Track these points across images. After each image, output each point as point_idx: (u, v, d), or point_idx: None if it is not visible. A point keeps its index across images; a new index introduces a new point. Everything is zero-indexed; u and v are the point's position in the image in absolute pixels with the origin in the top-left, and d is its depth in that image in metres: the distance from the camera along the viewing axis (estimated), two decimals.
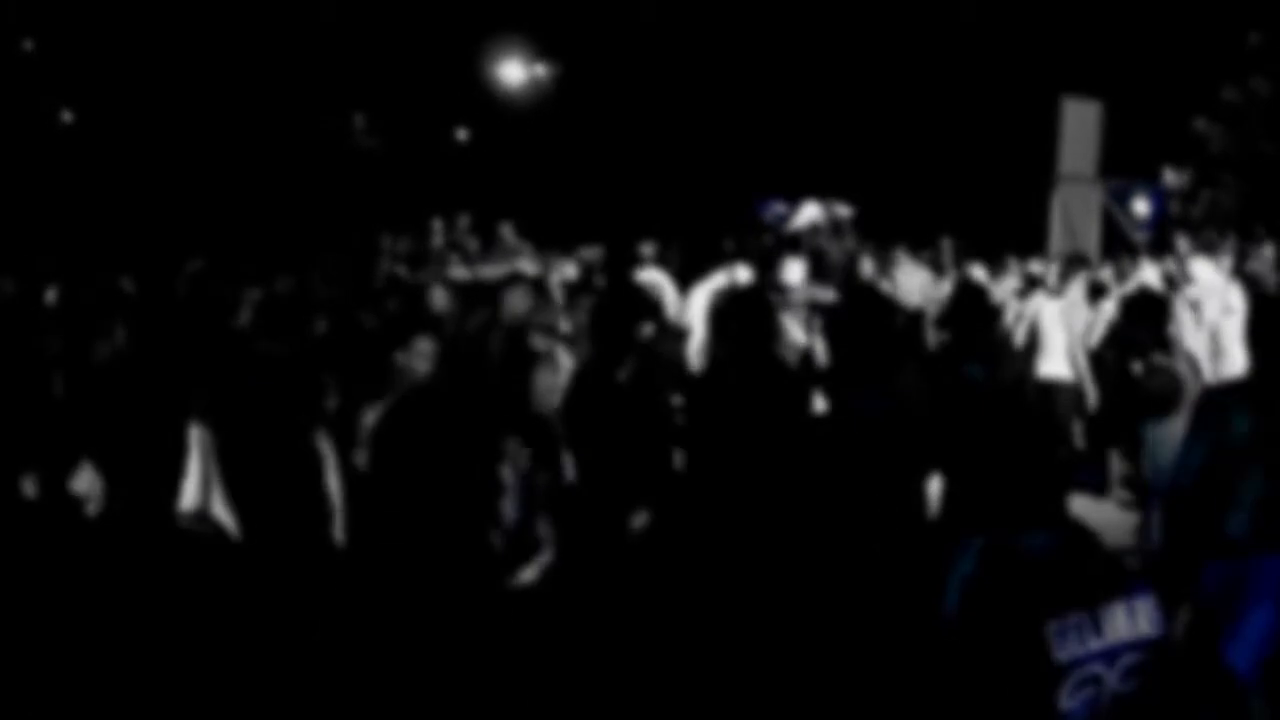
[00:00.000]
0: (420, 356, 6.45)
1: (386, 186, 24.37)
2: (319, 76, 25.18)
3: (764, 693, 5.33)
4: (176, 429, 6.28)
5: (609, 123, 26.72)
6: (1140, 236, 19.57)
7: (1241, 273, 13.14)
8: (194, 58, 23.83)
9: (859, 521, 5.46)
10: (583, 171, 25.89)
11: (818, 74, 25.57)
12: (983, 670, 2.96)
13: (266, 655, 5.70)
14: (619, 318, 6.74)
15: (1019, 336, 11.49)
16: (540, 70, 27.49)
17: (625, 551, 6.19)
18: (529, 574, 6.52)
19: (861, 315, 6.24)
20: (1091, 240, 19.24)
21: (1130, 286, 11.70)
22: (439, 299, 9.94)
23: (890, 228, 16.17)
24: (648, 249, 13.41)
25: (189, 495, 6.20)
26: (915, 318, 12.30)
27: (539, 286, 9.81)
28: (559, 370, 7.14)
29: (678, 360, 9.40)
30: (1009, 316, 11.72)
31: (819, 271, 12.15)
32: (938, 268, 14.77)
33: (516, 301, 8.61)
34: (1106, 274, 12.96)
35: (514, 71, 27.16)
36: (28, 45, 25.39)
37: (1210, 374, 9.82)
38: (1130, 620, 3.01)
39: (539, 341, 8.00)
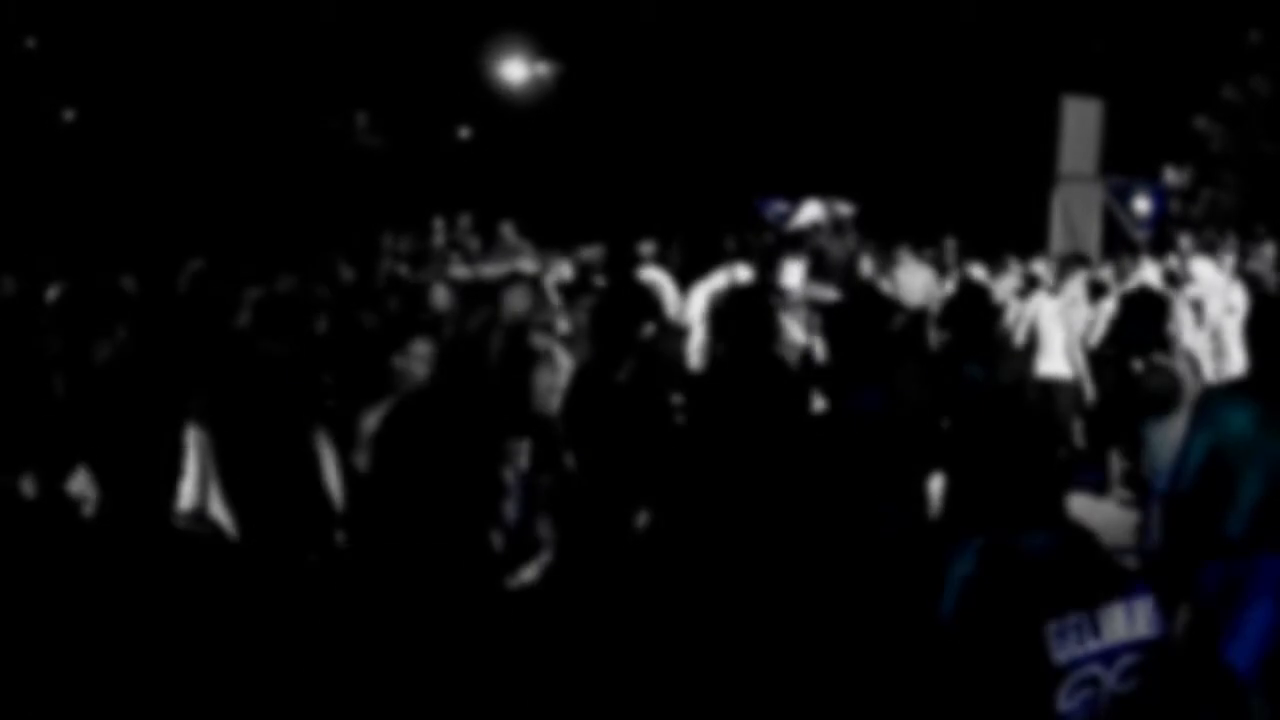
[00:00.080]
0: (417, 359, 6.44)
1: (388, 185, 24.36)
2: (321, 75, 25.18)
3: (763, 693, 5.34)
4: (174, 429, 6.28)
5: (611, 121, 26.71)
6: (1141, 235, 19.59)
7: (1243, 272, 13.15)
8: (196, 57, 23.83)
9: (857, 521, 5.46)
10: (584, 170, 25.88)
11: (819, 73, 25.57)
12: (981, 671, 2.97)
13: (264, 654, 5.70)
14: (620, 317, 6.74)
15: (1019, 336, 11.49)
16: (542, 69, 27.49)
17: (625, 551, 6.20)
18: (529, 574, 6.53)
19: (860, 315, 6.25)
20: (1092, 239, 19.25)
21: (1131, 285, 11.71)
22: (440, 298, 9.96)
23: (891, 226, 16.17)
24: (647, 248, 13.42)
25: (186, 496, 6.21)
26: (918, 317, 12.30)
27: (534, 286, 9.82)
28: (558, 370, 7.15)
29: (678, 360, 9.41)
30: (1009, 316, 11.72)
31: (819, 270, 12.16)
32: (941, 267, 14.78)
33: (516, 301, 8.62)
34: (1106, 273, 12.97)
35: (516, 70, 27.16)
36: (30, 43, 25.39)
37: (1212, 373, 9.84)
38: (1129, 621, 3.01)
39: (539, 340, 8.01)
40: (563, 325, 9.25)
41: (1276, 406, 4.99)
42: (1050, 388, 11.12)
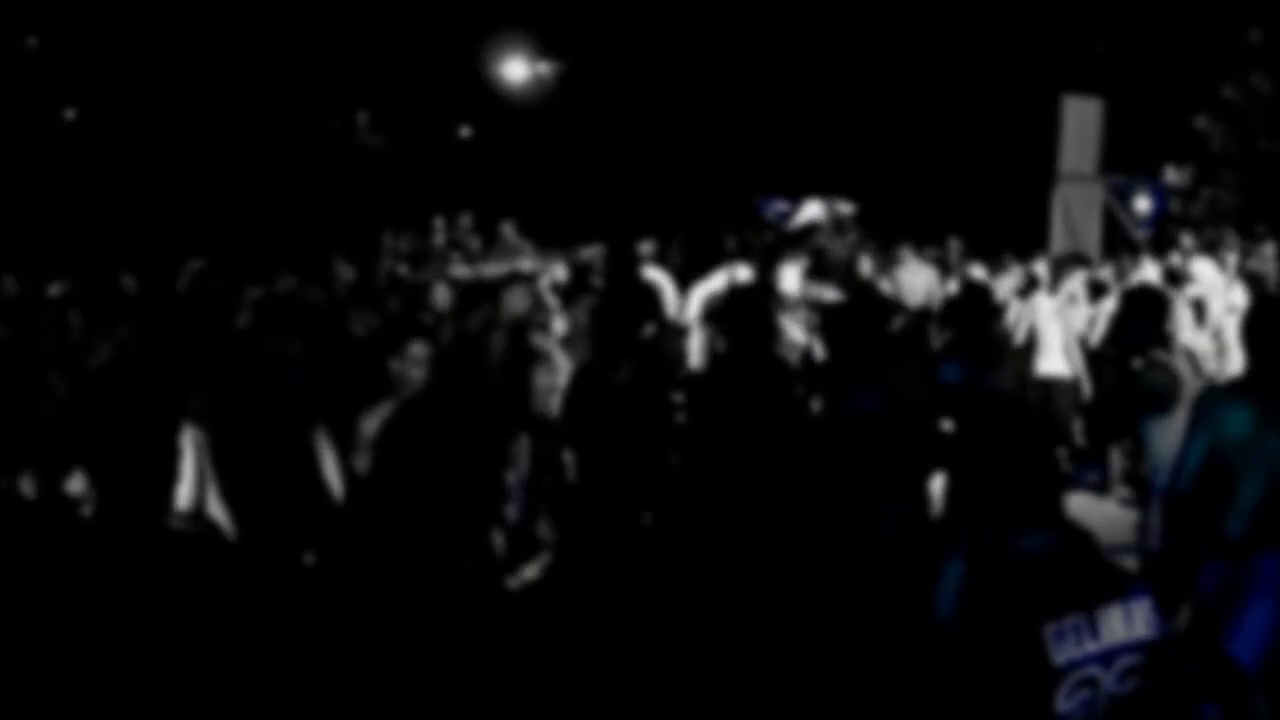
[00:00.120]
0: (414, 363, 6.43)
1: (389, 184, 24.36)
2: (322, 75, 25.17)
3: (762, 693, 5.35)
4: (171, 429, 6.28)
5: (612, 121, 26.71)
6: (1141, 234, 19.58)
7: (1244, 271, 13.15)
8: (197, 56, 23.83)
9: (856, 521, 5.47)
10: (585, 170, 25.88)
11: (819, 72, 25.57)
12: (980, 672, 2.97)
13: (262, 653, 5.71)
14: (620, 317, 6.75)
15: (1019, 336, 11.50)
16: (543, 68, 27.48)
17: (626, 552, 6.20)
18: (529, 574, 6.53)
19: (859, 315, 6.26)
20: (1092, 238, 19.22)
21: (1131, 284, 11.71)
22: (441, 298, 9.97)
23: (892, 226, 16.18)
24: (646, 248, 13.42)
25: (184, 495, 6.21)
26: (920, 317, 12.30)
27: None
28: (557, 371, 7.15)
29: (678, 360, 9.41)
30: (1010, 316, 11.72)
31: (820, 270, 12.15)
32: (944, 267, 14.78)
33: (516, 301, 8.63)
34: (1106, 273, 12.97)
35: (517, 69, 27.15)
36: (31, 43, 25.39)
37: (1215, 373, 9.84)
38: (1127, 622, 3.02)
39: (539, 341, 8.01)
40: (559, 325, 9.25)
41: (1275, 406, 4.99)
42: (1049, 387, 11.13)
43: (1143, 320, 7.29)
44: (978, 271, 13.53)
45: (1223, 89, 22.29)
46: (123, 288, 10.32)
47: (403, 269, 13.85)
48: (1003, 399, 7.43)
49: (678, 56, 26.18)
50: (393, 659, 4.99)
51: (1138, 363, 7.10)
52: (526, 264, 12.32)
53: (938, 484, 5.88)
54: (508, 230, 14.63)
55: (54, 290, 10.37)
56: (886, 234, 15.59)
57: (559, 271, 11.61)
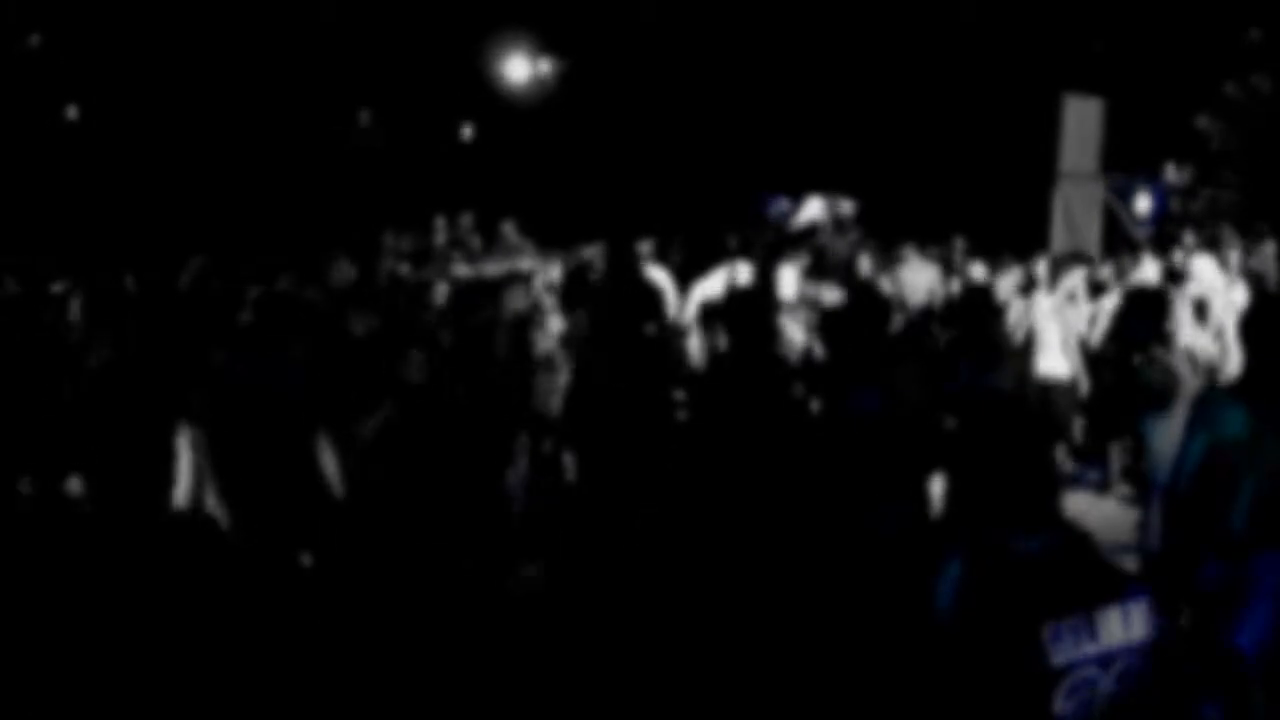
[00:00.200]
0: (414, 367, 6.45)
1: (390, 183, 24.35)
2: (324, 73, 25.16)
3: (761, 692, 5.36)
4: (169, 429, 6.29)
5: (613, 119, 26.70)
6: (1141, 233, 19.59)
7: (1245, 270, 13.15)
8: (199, 54, 23.82)
9: (856, 521, 5.48)
10: (586, 168, 25.87)
11: (821, 71, 25.56)
12: (978, 673, 2.98)
13: (261, 653, 5.72)
14: (622, 317, 6.76)
15: (1019, 335, 11.51)
16: (544, 67, 27.47)
17: (625, 551, 6.22)
18: (530, 573, 6.55)
19: (857, 315, 6.26)
20: (1093, 237, 19.25)
21: (1131, 283, 11.72)
22: (442, 297, 9.98)
23: (893, 224, 16.18)
24: (645, 247, 13.42)
25: (181, 495, 6.22)
26: (923, 316, 12.30)
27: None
28: (556, 371, 7.18)
29: (679, 358, 9.42)
30: (1011, 316, 11.73)
31: (821, 269, 12.16)
32: (948, 266, 14.77)
33: (517, 299, 8.65)
34: (1106, 272, 12.98)
35: (518, 68, 27.14)
36: (33, 41, 25.38)
37: (1219, 373, 9.85)
38: (1125, 624, 3.02)
39: (539, 340, 8.03)
40: (555, 323, 9.27)
41: (1274, 407, 5.00)
42: (1049, 386, 11.13)
43: (1144, 318, 7.32)
44: (978, 271, 13.53)
45: (1223, 88, 22.28)
46: (124, 286, 10.33)
47: (404, 268, 13.83)
48: (1002, 399, 7.43)
49: (679, 55, 26.16)
50: (392, 657, 5.01)
51: (1138, 360, 7.12)
52: (526, 263, 12.33)
53: (938, 484, 5.88)
54: (508, 229, 14.62)
55: (56, 289, 10.37)
56: (888, 233, 15.59)
57: (554, 271, 11.62)
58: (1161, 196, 21.82)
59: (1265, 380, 5.09)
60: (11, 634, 6.27)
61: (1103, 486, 11.22)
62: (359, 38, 25.38)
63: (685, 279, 11.71)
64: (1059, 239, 18.86)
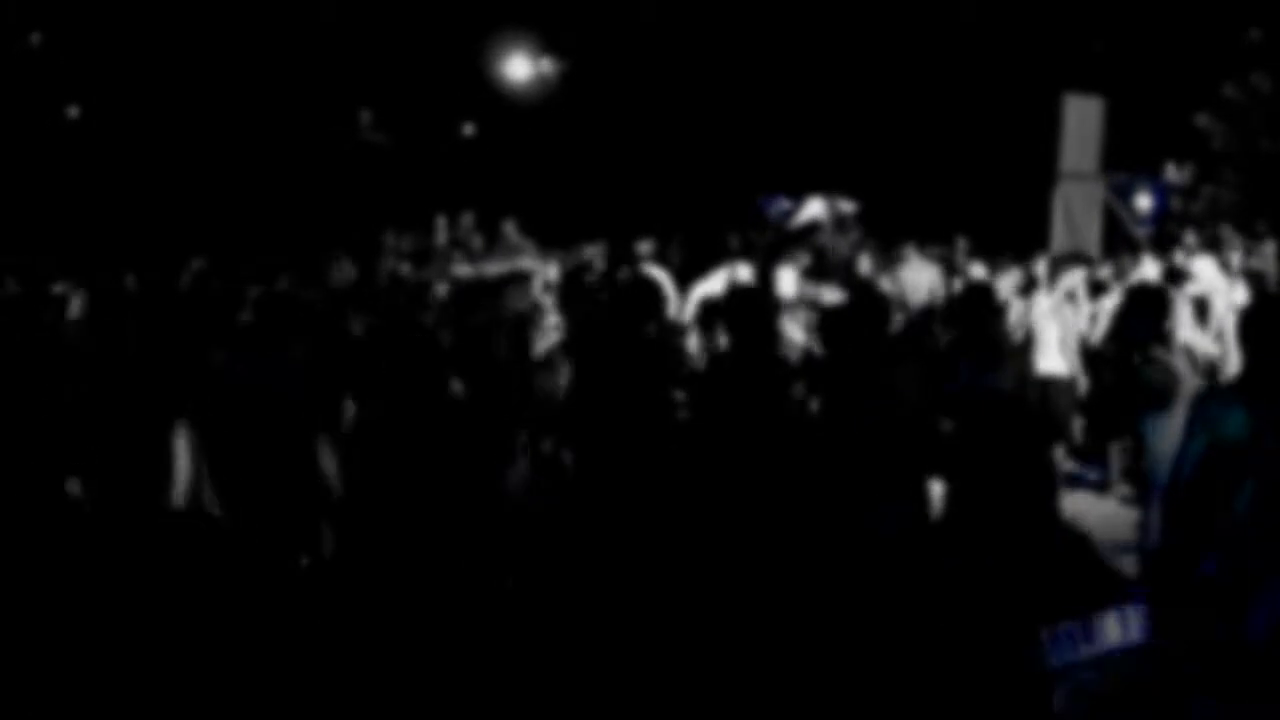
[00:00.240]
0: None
1: (392, 182, 24.36)
2: (325, 72, 25.16)
3: (757, 693, 5.36)
4: (167, 429, 6.29)
5: (615, 119, 26.71)
6: (1142, 232, 19.60)
7: (1245, 269, 13.16)
8: (200, 54, 23.83)
9: (855, 521, 5.48)
10: (588, 168, 25.88)
11: (822, 71, 25.57)
12: (976, 675, 2.98)
13: (260, 653, 5.71)
14: (624, 317, 6.77)
15: (1018, 335, 11.51)
16: (546, 66, 27.48)
17: (625, 550, 6.22)
18: (530, 573, 6.55)
19: (856, 315, 6.27)
20: (1093, 236, 19.25)
21: (1131, 282, 11.72)
22: (443, 296, 9.99)
23: (893, 224, 16.18)
24: (644, 246, 13.43)
25: (178, 496, 6.22)
26: (924, 315, 12.30)
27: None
28: (556, 371, 7.18)
29: (679, 357, 9.43)
30: (1011, 316, 11.74)
31: (821, 268, 12.17)
32: (950, 265, 14.78)
33: (517, 299, 8.66)
34: (1106, 272, 12.99)
35: (520, 67, 27.14)
36: (34, 40, 25.39)
37: (1221, 373, 9.87)
38: (1122, 627, 3.02)
39: (539, 340, 8.04)
40: (554, 323, 9.29)
41: (1274, 407, 5.00)
42: (1048, 386, 11.14)
43: (1144, 318, 7.31)
44: (978, 271, 13.54)
45: (1223, 87, 22.31)
46: (124, 286, 10.35)
47: (405, 268, 13.83)
48: (1001, 400, 7.43)
49: (680, 55, 26.17)
50: (391, 657, 5.01)
51: (1137, 360, 7.12)
52: (527, 263, 12.33)
53: (938, 485, 5.88)
54: (509, 229, 14.63)
55: (57, 289, 10.38)
56: (888, 232, 15.60)
57: (552, 271, 11.62)
58: (1162, 195, 21.85)
59: (1265, 380, 5.08)
60: (11, 634, 6.27)
61: (1103, 486, 11.23)
62: (360, 37, 25.38)
63: (685, 279, 11.71)
64: (1059, 238, 18.86)
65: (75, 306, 10.02)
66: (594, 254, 13.68)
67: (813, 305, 10.17)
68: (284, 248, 13.63)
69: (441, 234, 15.28)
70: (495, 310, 8.74)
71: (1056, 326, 11.12)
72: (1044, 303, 11.35)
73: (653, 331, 7.68)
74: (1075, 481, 11.32)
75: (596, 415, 6.52)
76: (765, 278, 10.87)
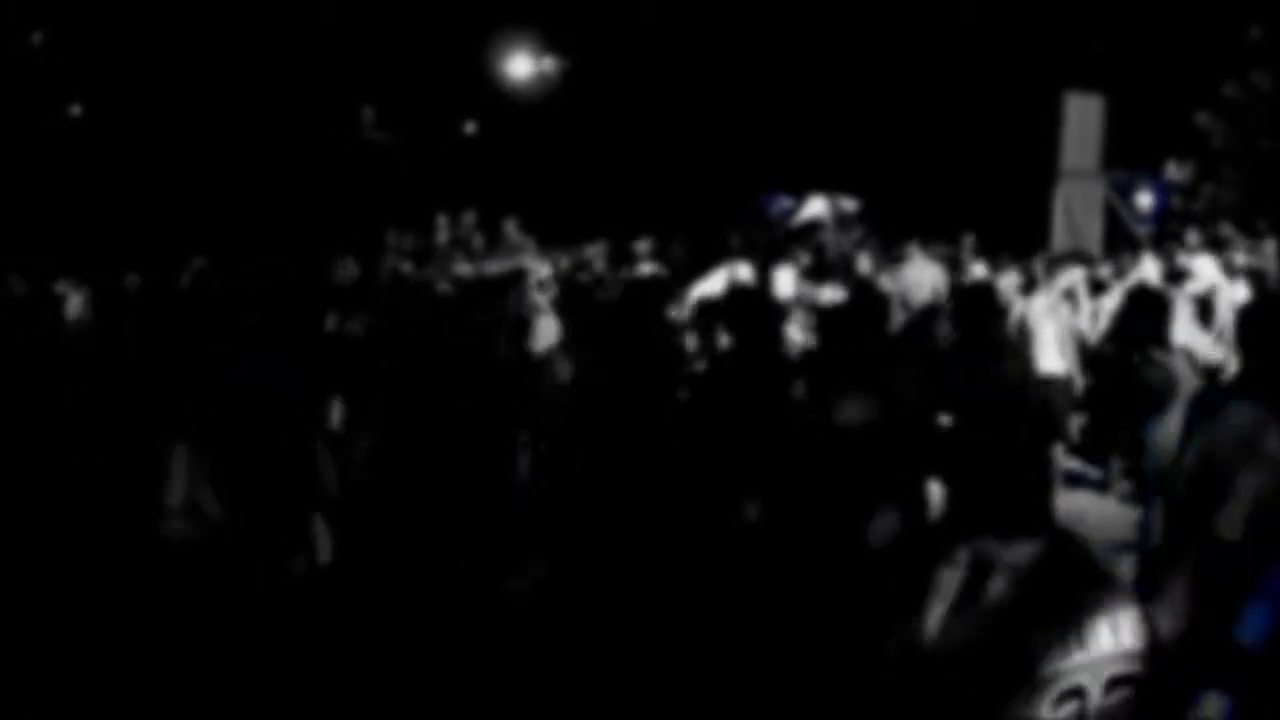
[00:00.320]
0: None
1: (394, 181, 24.36)
2: (327, 71, 25.16)
3: (752, 696, 5.36)
4: (165, 430, 6.29)
5: (616, 117, 26.71)
6: (1142, 230, 19.60)
7: (1246, 268, 13.15)
8: (202, 52, 23.84)
9: (851, 523, 5.48)
10: (590, 167, 25.88)
11: (823, 69, 25.56)
12: (965, 681, 2.97)
13: (259, 653, 5.72)
14: (625, 316, 6.77)
15: (1017, 335, 11.50)
16: (548, 64, 27.48)
17: (625, 551, 6.22)
18: (531, 573, 6.55)
19: (853, 314, 6.27)
20: (1094, 234, 19.26)
21: (1131, 282, 11.72)
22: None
23: (895, 222, 16.19)
24: (643, 246, 13.43)
25: (176, 497, 6.22)
26: (926, 314, 12.29)
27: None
28: (557, 370, 7.18)
29: (679, 357, 9.43)
30: (1013, 315, 11.73)
31: (821, 267, 12.18)
32: (955, 263, 14.77)
33: (519, 299, 8.67)
34: (1106, 271, 12.99)
35: (522, 66, 27.14)
36: (36, 39, 25.40)
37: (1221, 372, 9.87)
38: (1113, 633, 3.01)
39: (537, 340, 8.05)
40: (548, 322, 9.29)
41: (1273, 406, 5.01)
42: (1046, 385, 11.12)
43: (1145, 317, 7.32)
44: (979, 269, 13.54)
45: (1223, 86, 22.32)
46: (125, 286, 10.36)
47: (406, 266, 13.85)
48: (1000, 401, 7.44)
49: (682, 53, 26.17)
50: (391, 658, 5.02)
51: (1137, 360, 7.12)
52: (529, 262, 12.33)
53: (937, 487, 5.89)
54: (510, 228, 14.64)
55: (58, 289, 10.40)
56: (889, 230, 15.60)
57: (544, 270, 11.62)
58: (1162, 194, 21.86)
59: (1265, 380, 5.09)
60: (11, 634, 6.29)
61: (1103, 486, 11.23)
62: (362, 35, 25.38)
63: (685, 278, 11.72)
64: (1060, 236, 18.88)
65: (73, 305, 10.03)
66: (594, 253, 13.69)
67: (809, 306, 10.17)
68: (286, 247, 13.64)
69: (443, 233, 15.28)
70: (497, 309, 8.74)
71: (1053, 325, 11.10)
72: (1041, 301, 11.33)
73: (657, 331, 7.70)
74: (1075, 481, 11.32)
75: (597, 415, 6.51)
76: (764, 277, 10.88)
